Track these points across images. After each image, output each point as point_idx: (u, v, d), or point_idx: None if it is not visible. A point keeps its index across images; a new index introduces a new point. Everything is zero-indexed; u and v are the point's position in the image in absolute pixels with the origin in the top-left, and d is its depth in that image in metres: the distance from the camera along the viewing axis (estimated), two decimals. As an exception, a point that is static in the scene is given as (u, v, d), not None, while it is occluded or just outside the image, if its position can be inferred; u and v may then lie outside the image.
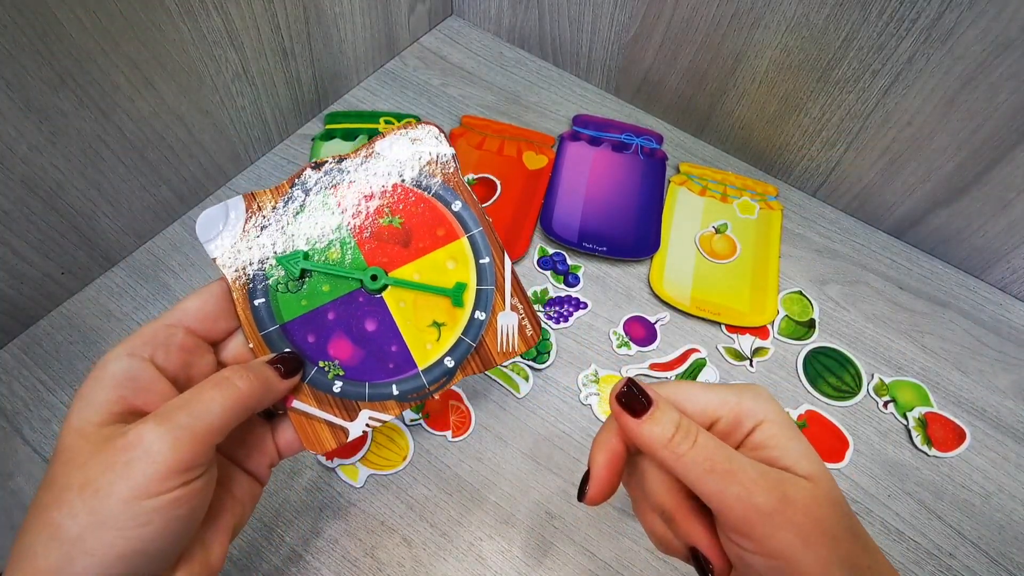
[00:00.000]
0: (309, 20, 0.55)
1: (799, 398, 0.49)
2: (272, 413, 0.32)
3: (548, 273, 0.54)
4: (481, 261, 0.34)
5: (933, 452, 0.46)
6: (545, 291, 0.53)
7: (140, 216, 0.51)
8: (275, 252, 0.32)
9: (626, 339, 0.51)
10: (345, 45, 0.61)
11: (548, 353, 0.49)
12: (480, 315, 0.34)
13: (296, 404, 0.31)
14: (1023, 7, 0.41)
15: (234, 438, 0.30)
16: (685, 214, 0.58)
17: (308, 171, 0.33)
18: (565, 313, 0.51)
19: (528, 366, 0.48)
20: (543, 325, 0.50)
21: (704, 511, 0.27)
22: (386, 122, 0.61)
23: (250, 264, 0.32)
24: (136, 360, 0.26)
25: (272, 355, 0.31)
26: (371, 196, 0.33)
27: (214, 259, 0.31)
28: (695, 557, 0.28)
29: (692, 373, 0.49)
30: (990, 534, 0.44)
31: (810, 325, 0.52)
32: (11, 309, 0.46)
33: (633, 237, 0.55)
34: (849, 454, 0.46)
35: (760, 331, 0.52)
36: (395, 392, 0.33)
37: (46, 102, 0.40)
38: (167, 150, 0.50)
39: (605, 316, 0.52)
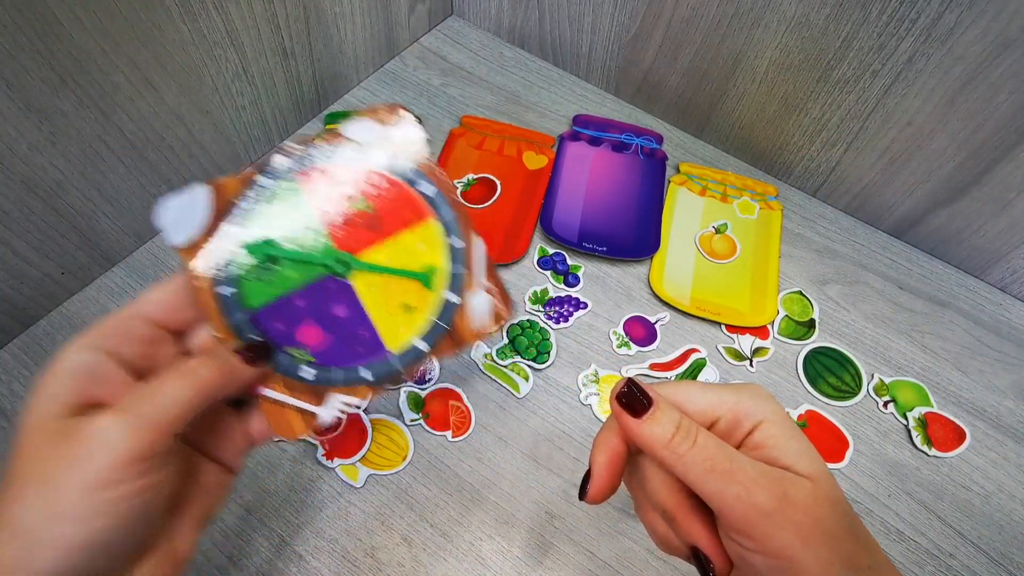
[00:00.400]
0: (309, 20, 0.55)
1: (799, 398, 0.49)
2: (242, 401, 0.32)
3: (548, 273, 0.54)
4: (452, 243, 0.33)
5: (933, 452, 0.46)
6: (545, 291, 0.53)
7: (140, 216, 0.51)
8: (242, 240, 0.31)
9: (626, 339, 0.51)
10: (345, 45, 0.61)
11: (548, 353, 0.49)
12: (452, 297, 0.33)
13: (265, 391, 0.31)
14: (1023, 7, 0.41)
15: (202, 427, 0.29)
16: (685, 214, 0.58)
17: (276, 157, 0.32)
18: (565, 313, 0.51)
19: (528, 366, 0.48)
20: (544, 325, 0.50)
21: (705, 510, 0.27)
22: (386, 122, 0.61)
23: (216, 252, 0.31)
24: (94, 352, 0.26)
25: (239, 343, 0.30)
26: (340, 181, 0.33)
27: (177, 249, 0.31)
28: (696, 556, 0.28)
29: (692, 373, 0.49)
30: (990, 534, 0.44)
31: (810, 325, 0.52)
32: (11, 309, 0.46)
33: (633, 237, 0.55)
34: (849, 454, 0.46)
35: (760, 331, 0.52)
36: (366, 376, 0.32)
37: (46, 102, 0.40)
38: (167, 150, 0.50)
39: (605, 316, 0.52)
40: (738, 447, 0.27)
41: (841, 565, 0.24)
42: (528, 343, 0.49)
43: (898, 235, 0.58)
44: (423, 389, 0.47)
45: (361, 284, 0.33)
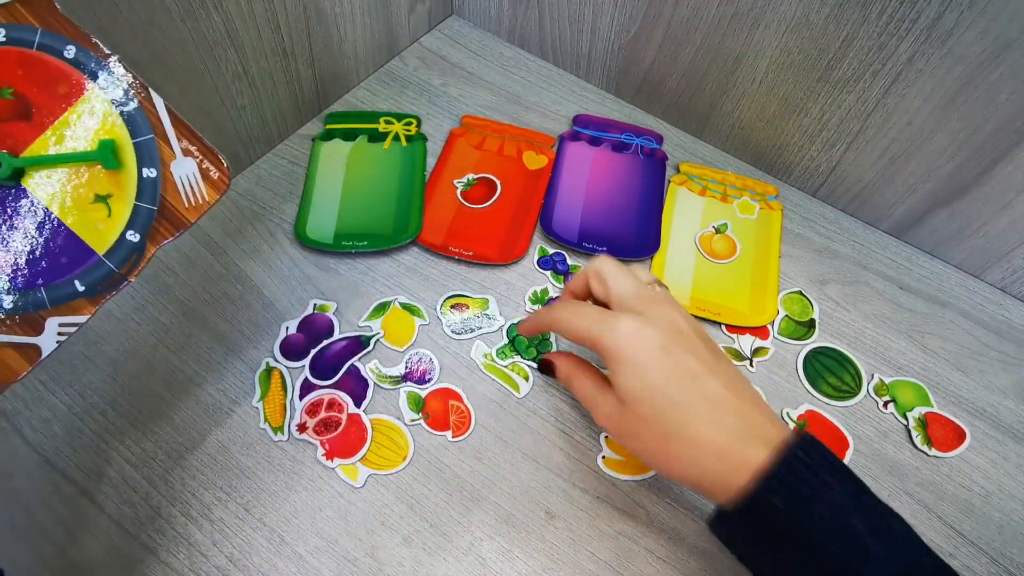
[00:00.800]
0: (309, 20, 0.55)
1: (799, 398, 0.49)
2: None
3: (548, 273, 0.54)
4: (124, 108, 0.28)
5: (933, 452, 0.46)
6: (545, 291, 0.53)
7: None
8: None
9: (626, 339, 0.50)
10: (345, 45, 0.61)
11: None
12: (149, 172, 0.29)
13: None
14: (1023, 7, 0.41)
15: None
16: (685, 214, 0.58)
17: None
18: (565, 313, 0.51)
19: (528, 366, 0.48)
20: None
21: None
22: (386, 122, 0.61)
23: None
24: None
25: None
26: None
27: None
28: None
29: (692, 373, 0.49)
30: (990, 534, 0.44)
31: (810, 325, 0.52)
32: (11, 309, 0.46)
33: (633, 237, 0.55)
34: (849, 454, 0.46)
35: (760, 331, 0.52)
36: (80, 288, 0.28)
37: (46, 102, 0.40)
38: (167, 150, 0.50)
39: (605, 316, 0.52)
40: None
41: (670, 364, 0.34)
42: (528, 343, 0.49)
43: (898, 235, 0.58)
44: (423, 389, 0.47)
45: (36, 185, 0.28)
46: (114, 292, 0.29)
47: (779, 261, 0.56)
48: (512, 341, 0.49)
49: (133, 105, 0.28)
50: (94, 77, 0.28)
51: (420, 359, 0.48)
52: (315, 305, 0.50)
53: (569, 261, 0.54)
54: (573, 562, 0.41)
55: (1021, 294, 0.55)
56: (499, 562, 0.41)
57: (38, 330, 0.28)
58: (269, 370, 0.47)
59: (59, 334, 0.28)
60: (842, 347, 0.51)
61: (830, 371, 0.50)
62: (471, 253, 0.53)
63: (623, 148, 0.61)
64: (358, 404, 0.46)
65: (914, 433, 0.47)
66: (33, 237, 0.28)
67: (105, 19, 0.41)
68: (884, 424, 0.48)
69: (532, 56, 0.70)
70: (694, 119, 0.63)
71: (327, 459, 0.43)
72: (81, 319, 0.29)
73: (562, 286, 0.53)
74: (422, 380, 0.47)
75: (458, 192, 0.57)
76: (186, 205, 0.29)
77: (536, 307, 0.52)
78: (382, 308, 0.50)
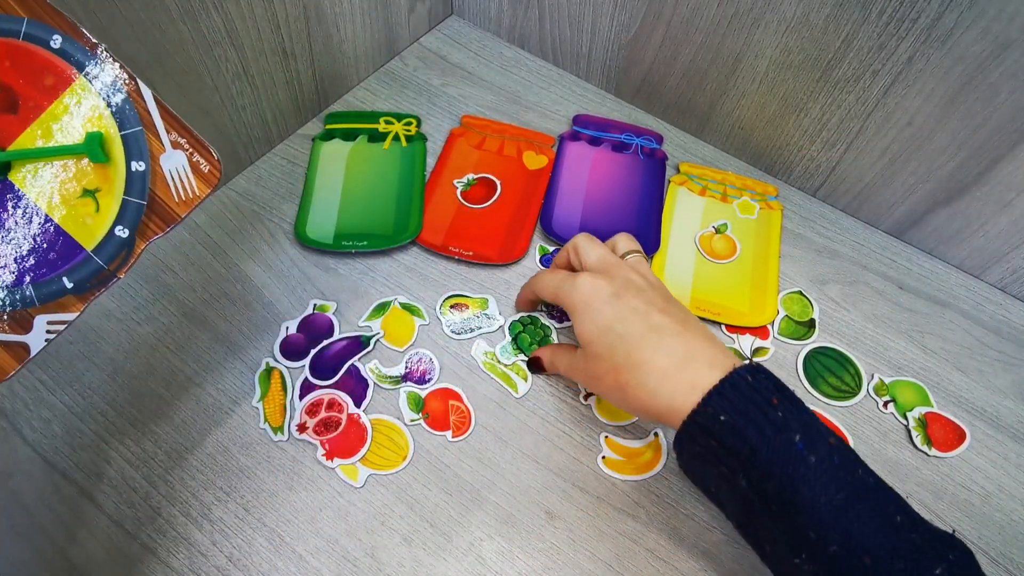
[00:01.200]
0: (309, 20, 0.55)
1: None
2: None
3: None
4: (112, 100, 0.27)
5: (933, 452, 0.46)
6: (545, 291, 0.53)
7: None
8: None
9: (626, 339, 0.51)
10: (345, 45, 0.61)
11: None
12: (137, 165, 0.28)
13: None
14: (1023, 7, 0.41)
15: None
16: (685, 214, 0.58)
17: None
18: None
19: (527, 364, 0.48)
20: (547, 323, 0.50)
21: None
22: (386, 122, 0.61)
23: None
24: None
25: None
26: None
27: None
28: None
29: (692, 373, 0.49)
30: (990, 534, 0.44)
31: (810, 325, 0.52)
32: (11, 309, 0.46)
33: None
34: (849, 454, 0.46)
35: (760, 331, 0.52)
36: (69, 285, 0.28)
37: (46, 102, 0.40)
38: (167, 150, 0.50)
39: (605, 316, 0.52)
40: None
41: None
42: (531, 340, 0.49)
43: (898, 235, 0.58)
44: (423, 389, 0.47)
45: (22, 180, 0.27)
46: (103, 289, 0.28)
47: (779, 261, 0.56)
48: (515, 339, 0.49)
49: (121, 97, 0.27)
50: (81, 68, 0.27)
51: (420, 359, 0.48)
52: (315, 305, 0.50)
53: (569, 261, 0.54)
54: (573, 562, 0.41)
55: (1021, 294, 0.55)
56: (499, 562, 0.41)
57: (26, 328, 0.27)
58: (269, 370, 0.47)
59: (48, 332, 0.28)
60: (842, 347, 0.51)
61: (830, 371, 0.50)
62: (471, 253, 0.53)
63: (623, 148, 0.61)
64: (358, 404, 0.46)
65: (914, 433, 0.47)
66: (19, 233, 0.27)
67: (104, 18, 0.41)
68: (884, 424, 0.48)
69: (532, 56, 0.70)
70: (694, 119, 0.63)
71: (327, 459, 0.43)
72: (70, 316, 0.28)
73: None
74: (422, 380, 0.47)
75: (458, 192, 0.57)
76: (176, 199, 0.28)
77: (539, 306, 0.52)
78: (382, 308, 0.50)
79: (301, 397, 0.45)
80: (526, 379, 0.48)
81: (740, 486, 0.32)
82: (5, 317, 0.27)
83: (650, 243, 0.55)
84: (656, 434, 0.46)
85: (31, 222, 0.27)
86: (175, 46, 0.46)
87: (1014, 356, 0.52)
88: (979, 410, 0.49)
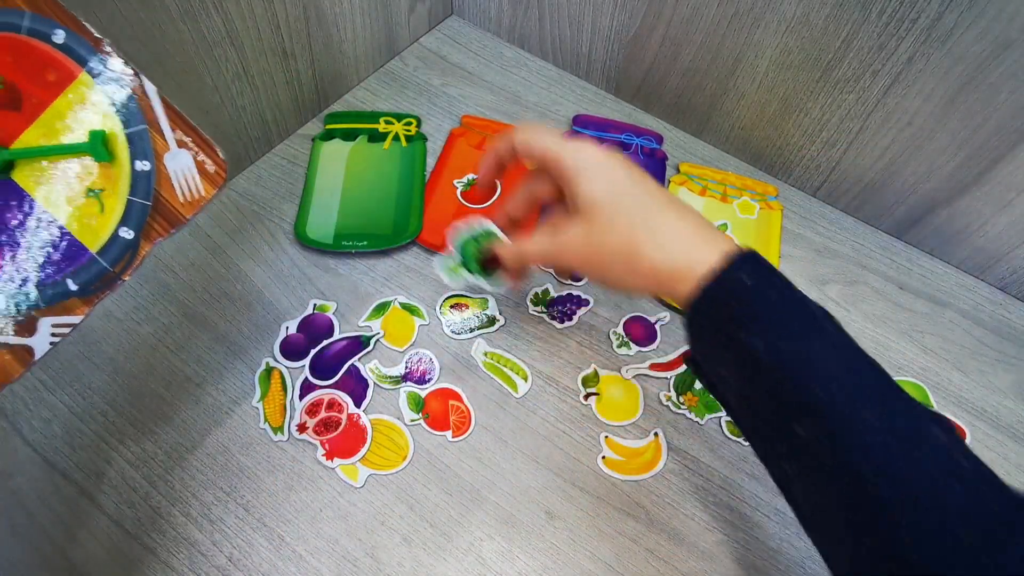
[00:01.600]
0: (309, 20, 0.55)
1: (799, 398, 0.49)
2: None
3: (551, 270, 0.54)
4: (116, 96, 0.27)
5: (933, 452, 0.46)
6: (547, 291, 0.52)
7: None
8: None
9: (626, 339, 0.50)
10: (345, 45, 0.61)
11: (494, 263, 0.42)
12: (142, 165, 0.27)
13: None
14: (1023, 7, 0.41)
15: None
16: (685, 214, 0.58)
17: None
18: (569, 312, 0.51)
19: (526, 364, 0.48)
20: (490, 227, 0.42)
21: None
22: (386, 122, 0.61)
23: None
24: None
25: None
26: None
27: None
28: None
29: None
30: (990, 534, 0.44)
31: (810, 325, 0.52)
32: None
33: (633, 237, 0.55)
34: (849, 454, 0.46)
35: (760, 331, 0.52)
36: (73, 287, 0.27)
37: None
38: (167, 150, 0.50)
39: (605, 316, 0.52)
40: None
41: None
42: (475, 254, 0.43)
43: (898, 235, 0.58)
44: (423, 389, 0.47)
45: (26, 179, 0.26)
46: (108, 291, 0.28)
47: (779, 261, 0.56)
48: (462, 252, 0.43)
49: (125, 93, 0.26)
50: (84, 63, 0.26)
51: (420, 359, 0.48)
52: (315, 305, 0.50)
53: (569, 261, 0.54)
54: (573, 562, 0.41)
55: (1021, 294, 0.55)
56: (499, 562, 0.41)
57: (31, 331, 0.27)
58: (269, 370, 0.47)
59: (52, 335, 0.27)
60: (842, 347, 0.51)
61: (830, 371, 0.50)
62: (471, 253, 0.53)
63: (623, 148, 0.61)
64: (358, 404, 0.46)
65: (914, 433, 0.47)
66: (23, 234, 0.27)
67: (104, 18, 0.41)
68: (884, 424, 0.48)
69: (532, 56, 0.70)
70: (694, 119, 0.63)
71: (327, 459, 0.43)
72: (75, 319, 0.27)
73: (567, 282, 0.53)
74: (422, 380, 0.47)
75: (458, 192, 0.57)
76: (181, 200, 0.28)
77: (537, 308, 0.52)
78: (382, 308, 0.50)
79: (301, 397, 0.45)
80: (526, 379, 0.48)
81: (756, 349, 0.31)
82: (14, 321, 0.27)
83: (650, 243, 0.55)
84: (656, 434, 0.46)
85: (35, 223, 0.27)
86: (175, 46, 0.46)
87: (1014, 356, 0.52)
88: (979, 410, 0.49)
